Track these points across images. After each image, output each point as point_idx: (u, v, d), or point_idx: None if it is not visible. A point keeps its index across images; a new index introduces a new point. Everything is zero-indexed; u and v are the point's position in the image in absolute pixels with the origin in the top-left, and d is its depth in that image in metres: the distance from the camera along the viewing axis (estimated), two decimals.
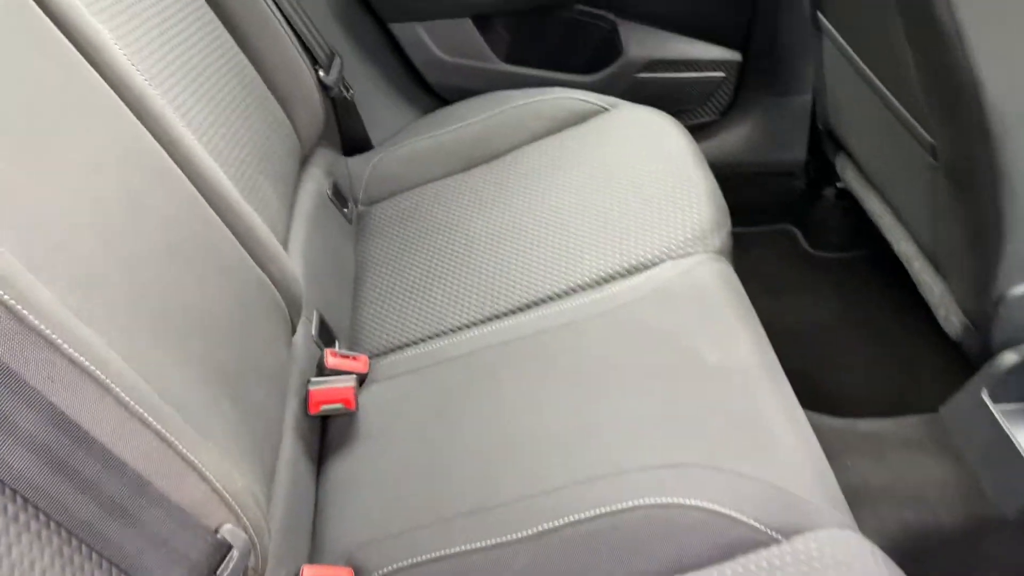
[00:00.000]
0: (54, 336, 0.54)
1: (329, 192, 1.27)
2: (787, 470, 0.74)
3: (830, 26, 1.13)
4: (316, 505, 0.87)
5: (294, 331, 0.94)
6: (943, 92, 0.85)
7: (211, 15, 1.08)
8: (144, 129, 0.76)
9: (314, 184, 1.24)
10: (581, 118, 1.27)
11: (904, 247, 1.15)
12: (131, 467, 0.57)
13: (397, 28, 1.40)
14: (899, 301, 1.25)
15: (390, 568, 0.76)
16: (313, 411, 0.89)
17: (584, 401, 0.84)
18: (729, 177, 1.20)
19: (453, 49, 1.42)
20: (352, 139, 1.39)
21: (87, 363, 0.55)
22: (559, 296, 1.00)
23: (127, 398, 0.58)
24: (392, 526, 0.80)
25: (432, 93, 1.48)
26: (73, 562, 0.53)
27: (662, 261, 0.98)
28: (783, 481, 0.73)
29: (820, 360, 1.30)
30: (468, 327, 1.02)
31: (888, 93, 1.02)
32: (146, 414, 0.59)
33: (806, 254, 1.53)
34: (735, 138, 1.50)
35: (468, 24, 1.40)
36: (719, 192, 1.08)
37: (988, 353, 0.99)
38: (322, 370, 0.96)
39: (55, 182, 0.63)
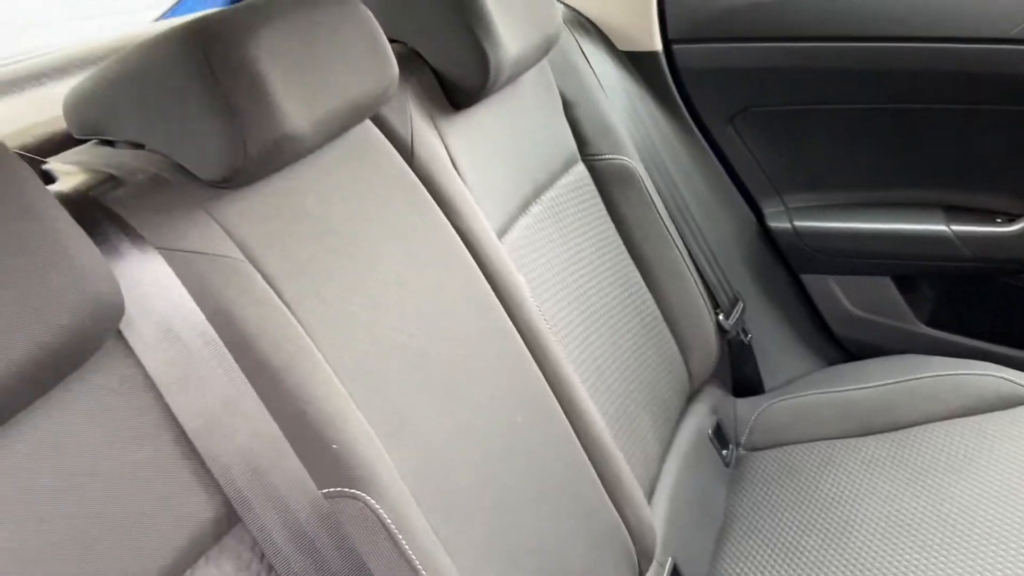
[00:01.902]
0: (419, 564, 0.61)
1: (711, 431, 1.26)
2: None
3: None
4: None
5: None
6: None
7: (627, 258, 1.20)
8: (539, 372, 0.86)
9: (696, 421, 1.25)
10: (1010, 403, 1.10)
11: None
12: None
13: (808, 279, 1.39)
14: None
15: None
16: None
17: None
18: None
19: (867, 304, 1.36)
20: (743, 381, 1.38)
21: None
22: None
23: None
24: None
25: (837, 345, 1.42)
26: None
27: None
28: None
29: None
30: None
31: None
32: None
33: None
34: None
35: (888, 282, 1.33)
36: None
37: None
38: None
39: (452, 415, 0.74)
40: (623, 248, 1.21)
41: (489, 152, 0.99)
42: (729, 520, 1.17)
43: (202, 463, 0.54)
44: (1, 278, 0.41)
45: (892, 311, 1.35)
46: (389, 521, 0.61)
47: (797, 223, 1.35)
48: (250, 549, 0.56)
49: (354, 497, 0.60)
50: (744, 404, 1.35)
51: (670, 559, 1.02)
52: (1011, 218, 1.22)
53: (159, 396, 0.53)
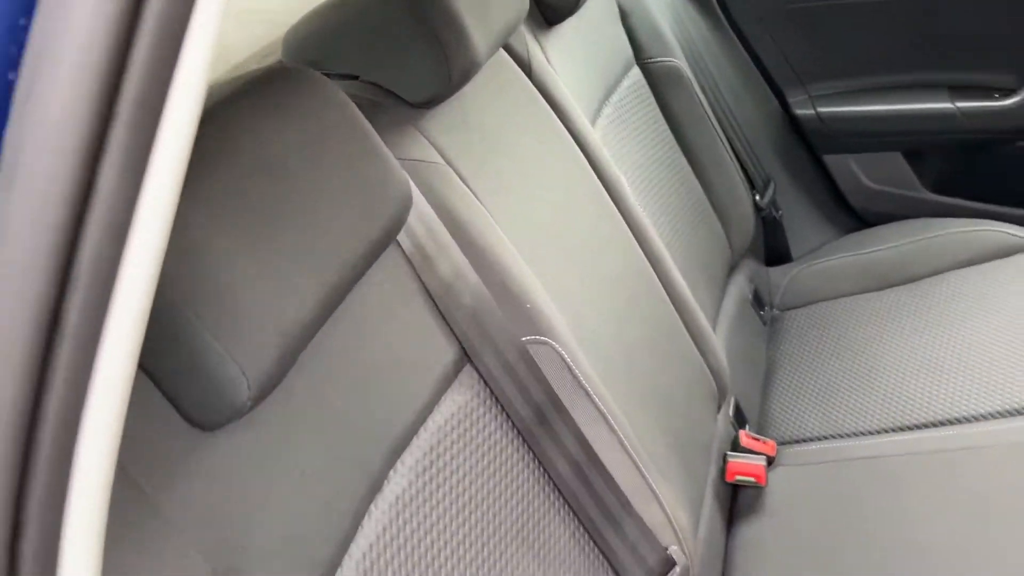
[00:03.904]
0: (589, 389, 0.81)
1: (750, 296, 1.46)
2: None
3: None
4: (724, 559, 1.06)
5: (719, 411, 1.15)
6: None
7: (677, 149, 1.37)
8: (641, 252, 1.04)
9: (738, 289, 1.45)
10: (1011, 252, 1.30)
11: None
12: (621, 488, 0.81)
13: (829, 159, 1.57)
14: None
15: None
16: (729, 479, 1.08)
17: (983, 527, 0.91)
18: None
19: (881, 178, 1.54)
20: (774, 251, 1.57)
21: (605, 411, 0.82)
22: (965, 420, 1.07)
23: (623, 439, 0.83)
24: None
25: (855, 216, 1.61)
26: (580, 544, 0.79)
27: None
28: None
29: None
30: (870, 434, 1.14)
31: None
32: (633, 453, 0.83)
33: None
34: None
35: (898, 157, 1.52)
36: None
37: None
38: (736, 447, 1.15)
39: (589, 284, 0.92)
40: (674, 140, 1.37)
41: (575, 62, 1.14)
42: (772, 367, 1.38)
43: (444, 319, 0.72)
44: (354, 180, 0.57)
45: (903, 182, 1.53)
46: (569, 360, 0.80)
47: (820, 109, 1.52)
48: (478, 382, 0.75)
49: (544, 343, 0.79)
50: (776, 272, 1.55)
51: (733, 397, 1.23)
52: (1007, 93, 1.40)
53: (412, 269, 0.70)
